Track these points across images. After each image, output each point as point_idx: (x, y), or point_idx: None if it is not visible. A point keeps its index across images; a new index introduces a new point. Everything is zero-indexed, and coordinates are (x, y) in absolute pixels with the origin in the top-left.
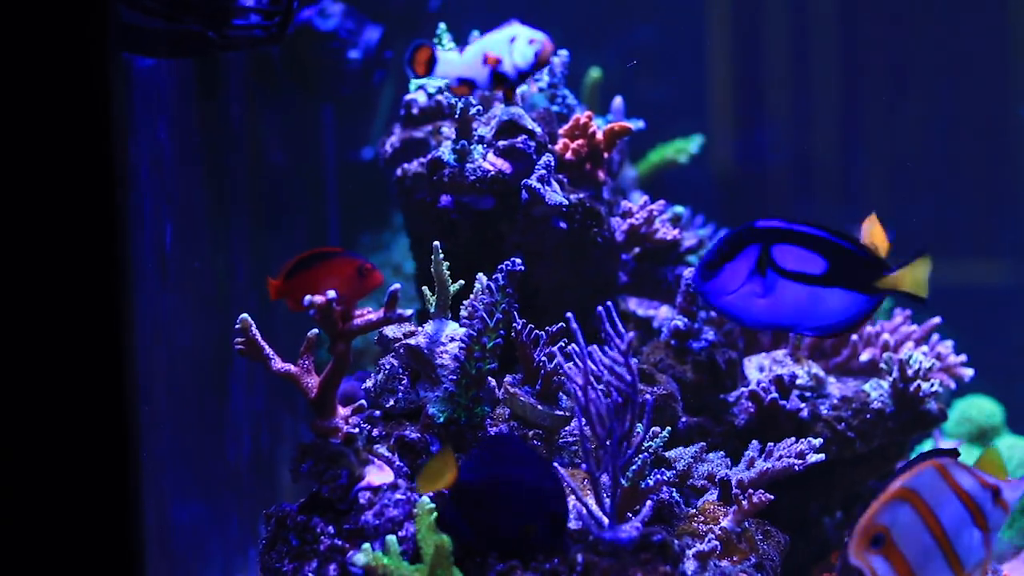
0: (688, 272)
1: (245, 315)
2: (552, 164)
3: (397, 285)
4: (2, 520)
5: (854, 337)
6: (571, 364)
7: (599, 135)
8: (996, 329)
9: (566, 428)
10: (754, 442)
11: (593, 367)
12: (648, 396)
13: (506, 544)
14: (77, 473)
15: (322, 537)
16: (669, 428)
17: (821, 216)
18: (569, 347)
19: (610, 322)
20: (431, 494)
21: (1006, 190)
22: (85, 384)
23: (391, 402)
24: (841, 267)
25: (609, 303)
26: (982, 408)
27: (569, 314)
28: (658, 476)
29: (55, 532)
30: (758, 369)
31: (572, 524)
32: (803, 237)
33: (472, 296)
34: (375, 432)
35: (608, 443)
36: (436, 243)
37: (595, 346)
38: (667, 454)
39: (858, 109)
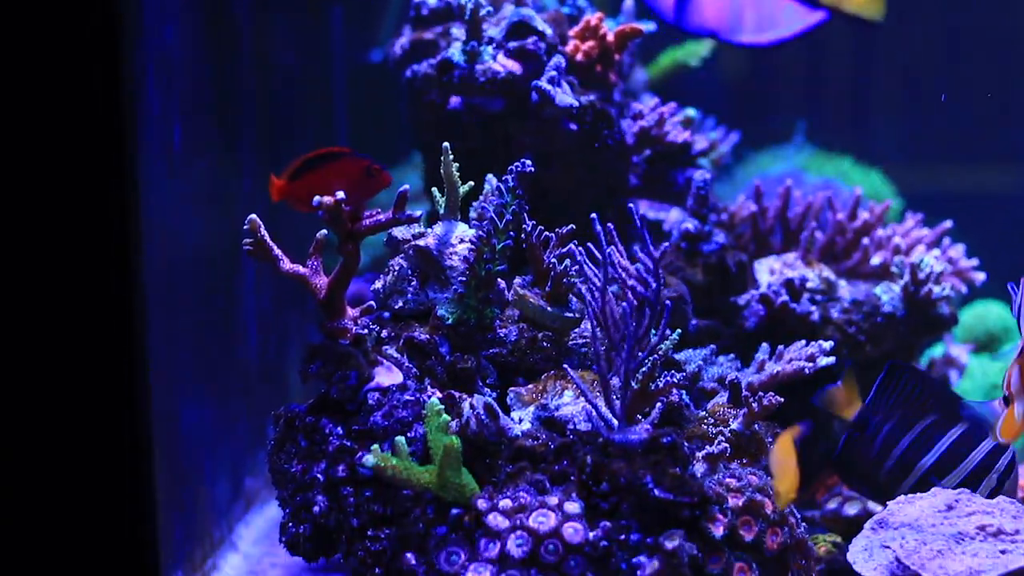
0: (699, 174)
1: (254, 216)
2: (562, 66)
3: (406, 186)
4: (11, 419)
5: (865, 240)
6: (589, 266)
7: (610, 37)
8: (1008, 234)
9: (576, 330)
10: (764, 345)
11: (611, 270)
12: (667, 302)
13: None
14: (86, 376)
15: (331, 438)
16: (679, 330)
17: (833, 127)
18: (584, 248)
19: (611, 235)
20: None
21: (1019, 96)
22: (92, 286)
23: (400, 303)
24: None
25: (634, 208)
26: (992, 313)
27: (594, 215)
28: (668, 378)
29: (64, 434)
30: (769, 272)
31: (582, 426)
32: None
33: (482, 197)
34: (384, 333)
35: (622, 346)
36: (445, 144)
37: (612, 248)
38: (677, 356)
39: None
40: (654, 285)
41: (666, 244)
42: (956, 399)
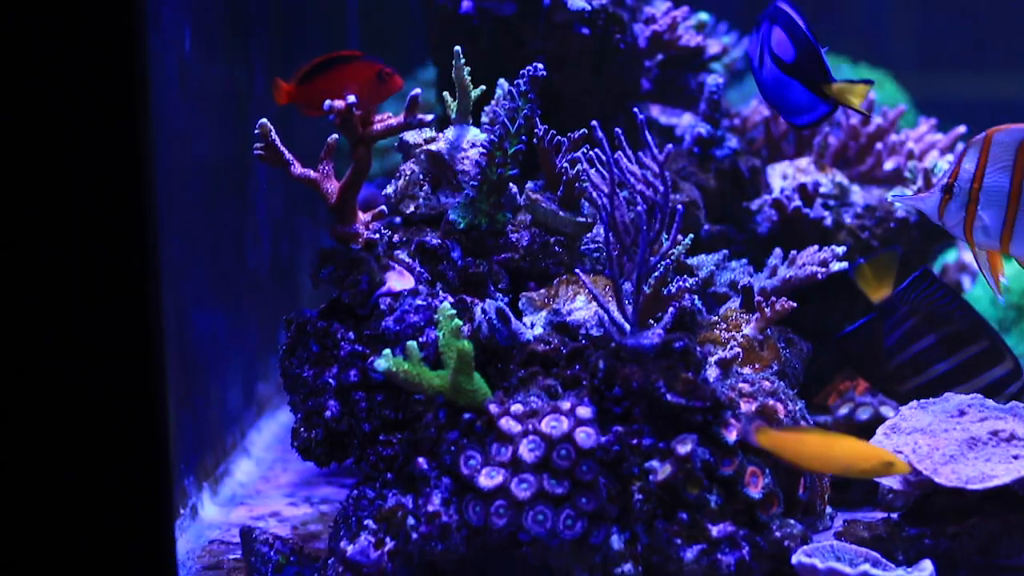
0: (712, 79)
1: (264, 120)
2: None
3: (418, 90)
4: (17, 326)
5: (879, 145)
6: (596, 171)
7: None
8: None
9: (588, 235)
10: (777, 250)
11: (619, 174)
12: (679, 206)
13: None
14: (96, 284)
15: (342, 343)
16: (692, 235)
17: (845, 34)
18: (593, 153)
19: (624, 134)
20: None
21: None
22: (101, 193)
23: (411, 208)
24: (804, 62)
25: (640, 113)
26: None
27: (595, 122)
28: (680, 283)
29: (73, 341)
30: (781, 177)
31: (594, 331)
32: (790, 24)
33: (493, 102)
34: (395, 238)
35: (634, 251)
36: (457, 48)
37: (620, 153)
38: (689, 261)
39: None
40: (662, 188)
41: (670, 146)
42: (982, 319)
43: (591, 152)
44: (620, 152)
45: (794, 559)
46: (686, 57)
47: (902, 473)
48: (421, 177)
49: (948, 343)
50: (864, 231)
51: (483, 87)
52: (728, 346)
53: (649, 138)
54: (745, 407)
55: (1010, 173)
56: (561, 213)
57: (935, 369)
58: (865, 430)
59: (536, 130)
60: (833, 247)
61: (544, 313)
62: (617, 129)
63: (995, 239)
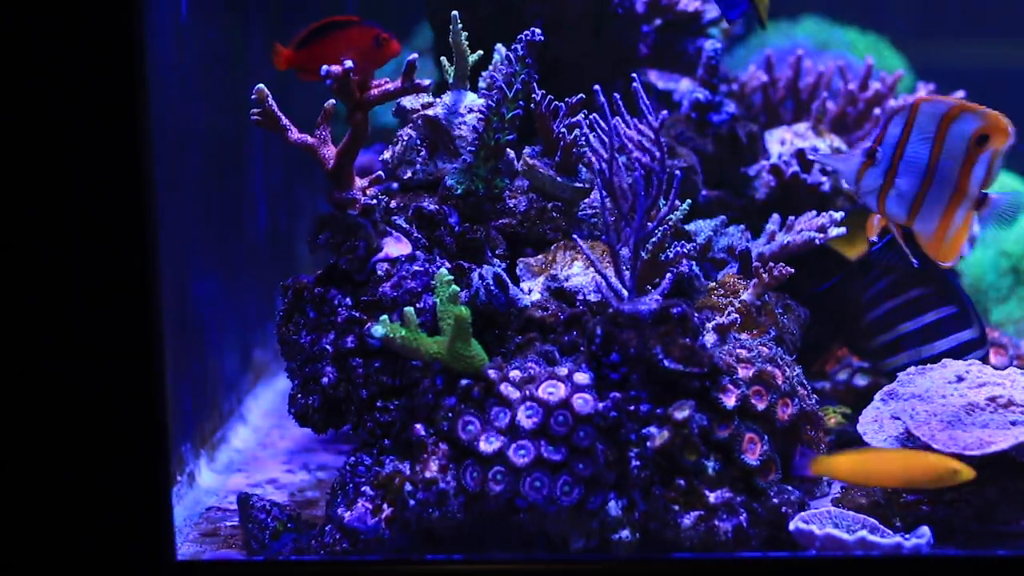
0: (710, 43)
1: (261, 86)
2: None
3: (415, 54)
4: (18, 290)
5: (877, 111)
6: (595, 136)
7: None
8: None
9: (585, 200)
10: (775, 215)
11: (618, 140)
12: (677, 172)
13: None
14: (95, 252)
15: (339, 309)
16: (689, 201)
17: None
18: (592, 117)
19: (626, 100)
20: None
21: None
22: (98, 162)
23: (409, 174)
24: None
25: (637, 78)
26: (1004, 184)
27: (597, 87)
28: (678, 249)
29: (73, 307)
30: (779, 143)
31: (592, 297)
32: None
33: (491, 67)
34: (393, 204)
35: (631, 216)
36: (454, 12)
37: (619, 119)
38: (687, 227)
39: None
40: (658, 154)
41: (665, 113)
42: (954, 283)
43: (591, 116)
44: (618, 118)
45: (792, 525)
46: (684, 22)
47: (968, 479)
48: (418, 142)
49: (918, 304)
50: None
51: (480, 52)
52: (726, 312)
53: (645, 103)
54: (743, 373)
55: (930, 145)
56: (558, 179)
57: (902, 328)
58: (863, 396)
59: (534, 95)
60: (831, 212)
61: (542, 279)
62: (616, 95)
63: (904, 211)
